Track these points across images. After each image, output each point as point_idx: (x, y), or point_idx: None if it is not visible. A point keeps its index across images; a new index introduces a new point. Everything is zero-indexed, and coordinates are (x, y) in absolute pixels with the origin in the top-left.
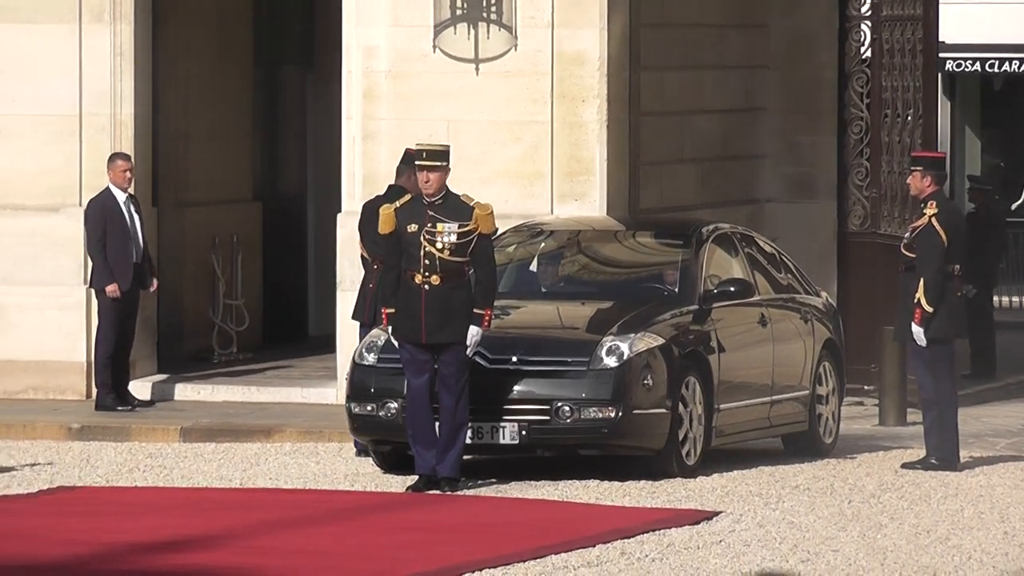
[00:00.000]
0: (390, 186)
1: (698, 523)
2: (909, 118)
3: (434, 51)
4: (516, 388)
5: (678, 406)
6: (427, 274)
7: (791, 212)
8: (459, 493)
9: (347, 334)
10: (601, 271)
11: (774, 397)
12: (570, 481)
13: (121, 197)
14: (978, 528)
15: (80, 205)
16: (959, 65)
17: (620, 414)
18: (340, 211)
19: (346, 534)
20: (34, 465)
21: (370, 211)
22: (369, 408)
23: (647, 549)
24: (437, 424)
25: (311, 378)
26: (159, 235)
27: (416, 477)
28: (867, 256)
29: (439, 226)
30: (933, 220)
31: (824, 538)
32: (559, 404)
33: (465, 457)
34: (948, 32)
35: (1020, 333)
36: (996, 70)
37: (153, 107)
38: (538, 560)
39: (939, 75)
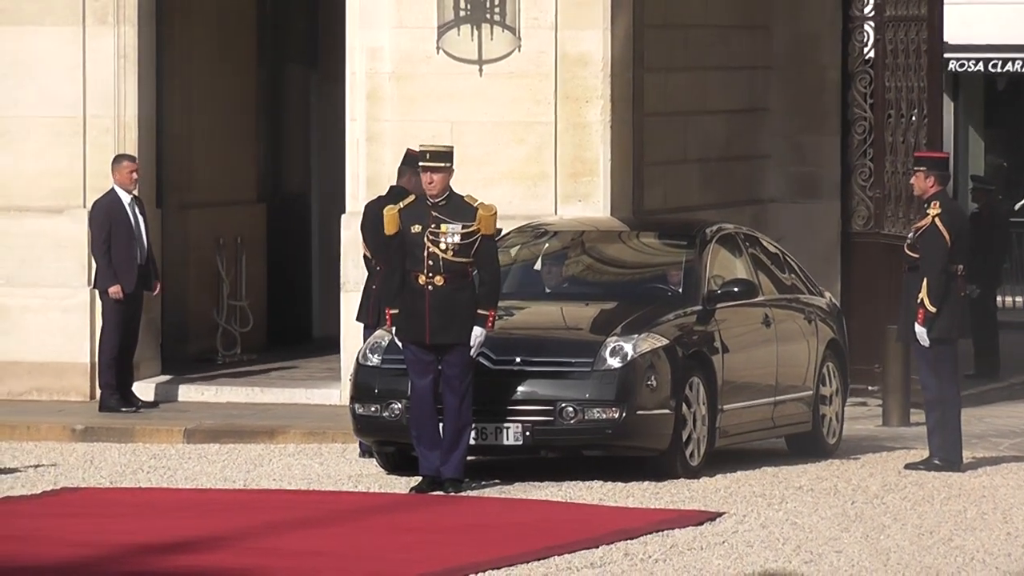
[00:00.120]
0: (392, 187)
1: (702, 524)
2: (913, 118)
3: (438, 52)
4: (520, 389)
5: (682, 407)
6: (431, 275)
7: (795, 212)
8: (463, 494)
9: (351, 335)
10: (605, 272)
11: (778, 398)
12: (574, 482)
13: (126, 199)
14: (981, 529)
15: (84, 207)
16: (963, 65)
17: (624, 415)
18: (344, 212)
19: (350, 535)
20: (38, 466)
21: (372, 212)
22: (373, 409)
23: (651, 550)
24: (441, 425)
25: (315, 379)
26: (163, 236)
27: (420, 478)
28: (871, 256)
29: (443, 227)
30: (936, 220)
31: (827, 539)
32: (563, 405)
33: (469, 458)
34: (952, 32)
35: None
36: (1000, 70)
37: (157, 109)
38: (542, 561)
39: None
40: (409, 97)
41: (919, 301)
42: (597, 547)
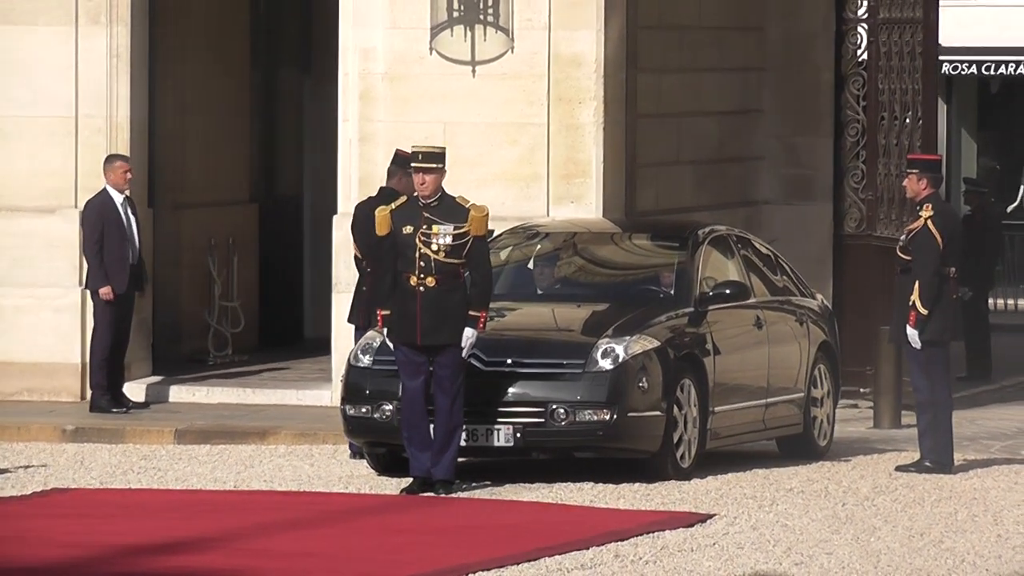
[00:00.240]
0: (381, 188)
1: (692, 525)
2: (907, 121)
3: (431, 53)
4: (511, 390)
5: (673, 408)
6: (422, 276)
7: (787, 214)
8: (454, 495)
9: (343, 336)
10: (597, 273)
11: (769, 399)
12: (565, 483)
13: (119, 199)
14: (972, 531)
15: (76, 207)
16: (956, 68)
17: (615, 416)
18: (336, 213)
19: (340, 536)
20: (28, 467)
21: (363, 213)
22: (364, 410)
23: (641, 551)
24: (432, 426)
25: (306, 380)
26: (155, 237)
27: (411, 479)
28: (863, 258)
29: (434, 228)
30: (929, 223)
31: (818, 541)
32: (554, 406)
33: (460, 459)
34: (945, 34)
35: (1016, 336)
36: (993, 73)
37: (149, 109)
38: (532, 562)
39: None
40: (402, 98)
41: (911, 303)
42: (588, 548)
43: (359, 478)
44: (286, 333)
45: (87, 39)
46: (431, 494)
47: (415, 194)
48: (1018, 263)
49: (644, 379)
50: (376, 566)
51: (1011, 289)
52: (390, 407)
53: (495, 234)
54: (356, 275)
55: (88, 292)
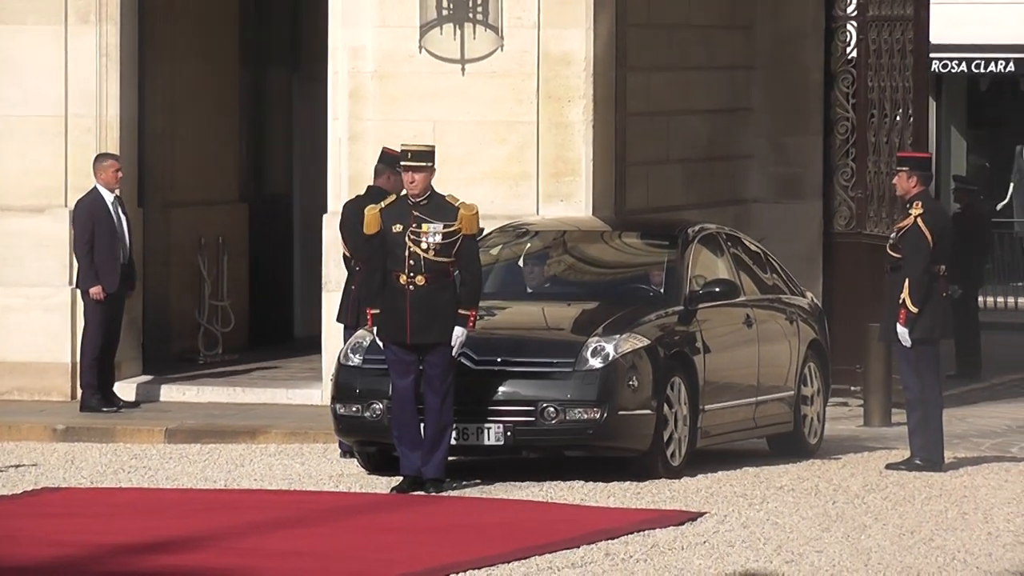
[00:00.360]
0: (369, 187)
1: (683, 524)
2: (897, 118)
3: (420, 52)
4: (501, 389)
5: (663, 407)
6: (412, 274)
7: (777, 212)
8: (444, 494)
9: (333, 335)
10: (587, 272)
11: (759, 398)
12: (555, 482)
13: (109, 198)
14: (962, 529)
15: (66, 206)
16: (945, 65)
17: (605, 415)
18: (326, 212)
19: (331, 535)
20: (18, 466)
21: (351, 212)
22: (354, 409)
23: (631, 550)
24: (422, 425)
25: (296, 379)
26: (145, 236)
27: (401, 478)
28: (853, 257)
29: (424, 226)
30: (919, 220)
31: (808, 539)
32: (544, 405)
33: (450, 458)
34: (935, 32)
35: (1005, 334)
36: (982, 70)
37: (139, 108)
38: (522, 561)
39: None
40: (391, 96)
41: (901, 301)
42: (578, 547)
43: (349, 477)
44: (276, 332)
45: (76, 38)
46: (421, 493)
47: (404, 192)
48: (1007, 261)
49: (634, 377)
50: (367, 565)
51: (1001, 287)
52: (380, 406)
53: (484, 232)
54: (346, 274)
55: (79, 291)
